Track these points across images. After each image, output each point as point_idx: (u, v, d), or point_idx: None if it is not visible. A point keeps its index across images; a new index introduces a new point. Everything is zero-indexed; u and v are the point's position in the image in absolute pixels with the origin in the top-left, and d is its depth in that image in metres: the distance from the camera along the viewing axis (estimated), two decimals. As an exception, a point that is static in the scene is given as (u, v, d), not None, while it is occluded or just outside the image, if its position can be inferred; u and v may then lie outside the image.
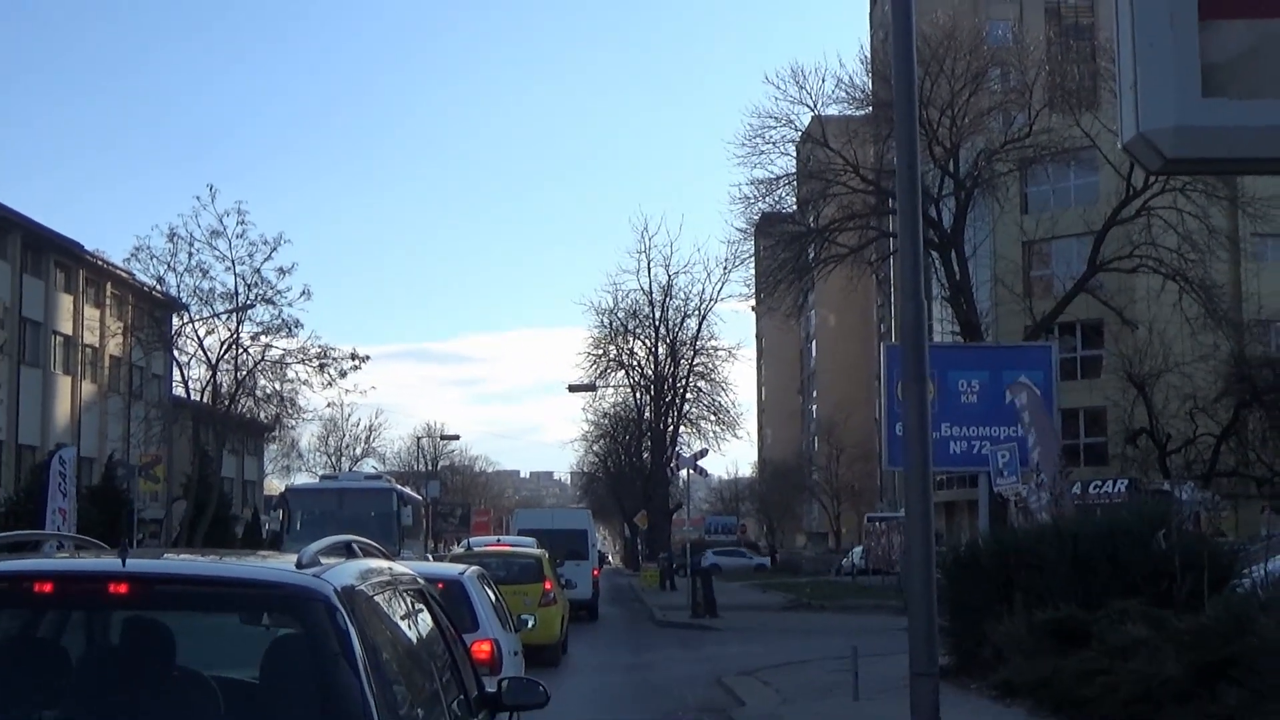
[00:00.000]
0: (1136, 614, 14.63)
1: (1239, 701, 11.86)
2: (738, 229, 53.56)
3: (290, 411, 51.03)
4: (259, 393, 49.12)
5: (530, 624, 17.75)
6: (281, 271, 45.95)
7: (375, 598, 5.01)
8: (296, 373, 47.96)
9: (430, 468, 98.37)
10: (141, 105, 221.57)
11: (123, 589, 4.70)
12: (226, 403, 47.84)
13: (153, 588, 4.77)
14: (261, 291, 45.87)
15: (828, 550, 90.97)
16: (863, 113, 48.88)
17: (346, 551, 5.40)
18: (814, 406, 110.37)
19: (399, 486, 44.52)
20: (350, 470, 68.54)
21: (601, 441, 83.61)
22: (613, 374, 69.93)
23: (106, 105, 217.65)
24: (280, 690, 4.71)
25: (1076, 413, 54.77)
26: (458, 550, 33.18)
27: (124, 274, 52.25)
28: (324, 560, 4.88)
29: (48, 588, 4.80)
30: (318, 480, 49.97)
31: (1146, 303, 48.47)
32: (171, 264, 45.89)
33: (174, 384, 54.11)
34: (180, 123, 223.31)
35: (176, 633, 4.94)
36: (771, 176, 48.73)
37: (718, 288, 79.98)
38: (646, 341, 69.64)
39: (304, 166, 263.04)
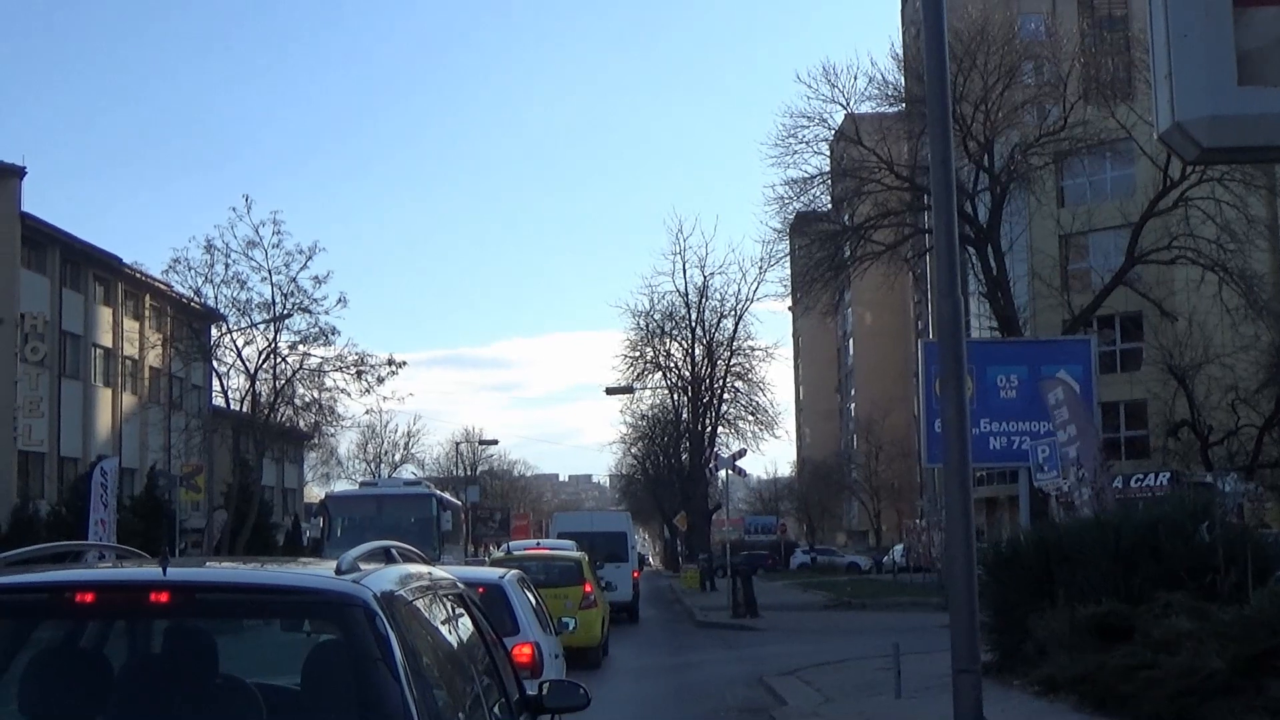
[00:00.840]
0: (1180, 607, 14.53)
1: (1285, 694, 11.77)
2: (773, 229, 53.55)
3: (329, 419, 51.37)
4: (298, 401, 49.45)
5: (571, 627, 17.75)
6: (317, 280, 46.29)
7: (415, 603, 5.01)
8: (334, 380, 48.29)
9: (469, 473, 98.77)
10: (172, 114, 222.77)
11: (164, 598, 4.72)
12: (266, 412, 48.13)
13: (194, 596, 4.79)
14: (298, 300, 46.22)
15: (868, 548, 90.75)
16: (896, 109, 48.79)
17: (385, 557, 5.41)
18: (852, 405, 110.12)
19: (438, 492, 44.66)
20: (390, 477, 68.80)
21: (640, 444, 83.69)
22: (650, 376, 70.02)
23: (138, 115, 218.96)
24: (321, 696, 4.72)
25: (1117, 406, 54.42)
26: (496, 554, 33.25)
27: (162, 286, 52.60)
28: (363, 566, 4.90)
29: (89, 597, 4.82)
30: (358, 487, 50.17)
31: (1186, 294, 48.14)
32: (209, 275, 46.29)
33: (213, 394, 54.53)
34: (212, 130, 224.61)
35: (218, 640, 4.95)
36: (805, 176, 48.70)
37: (753, 288, 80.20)
38: (683, 343, 69.70)
39: (337, 172, 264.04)
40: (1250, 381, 45.32)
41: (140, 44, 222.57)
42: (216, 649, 4.90)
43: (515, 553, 28.76)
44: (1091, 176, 57.48)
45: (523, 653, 12.27)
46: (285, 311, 46.40)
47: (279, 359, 47.51)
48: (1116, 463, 43.61)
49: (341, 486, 70.35)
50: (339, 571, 4.75)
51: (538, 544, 34.78)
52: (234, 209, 46.17)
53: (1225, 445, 45.46)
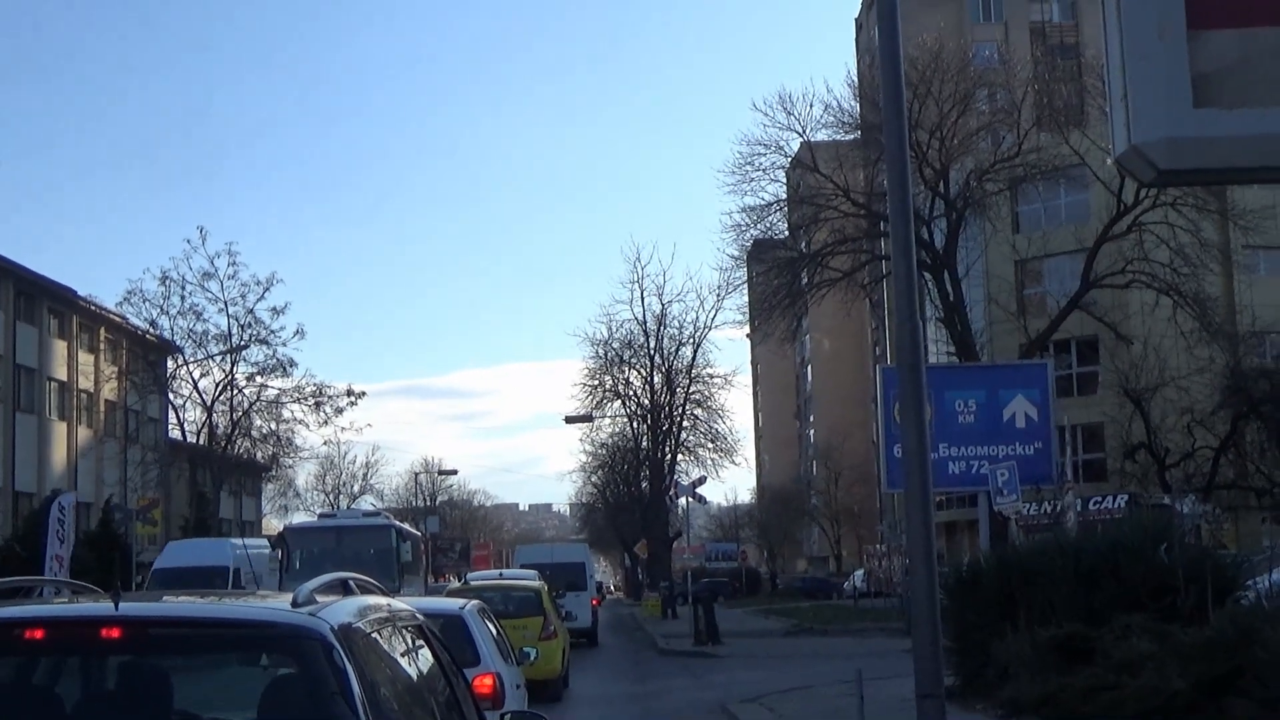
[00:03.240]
0: (1141, 629, 14.58)
1: (1247, 714, 11.82)
2: (730, 256, 53.62)
3: (287, 450, 51.16)
4: (255, 433, 49.22)
5: (532, 657, 17.55)
6: (275, 311, 46.23)
7: (373, 635, 4.94)
8: (292, 412, 48.13)
9: (429, 503, 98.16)
10: (129, 146, 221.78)
11: (116, 633, 4.64)
12: (223, 444, 47.88)
13: (146, 631, 4.71)
14: (255, 332, 46.13)
15: (829, 574, 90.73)
16: (851, 137, 49.00)
17: (343, 589, 5.34)
18: (811, 431, 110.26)
19: (397, 523, 44.41)
20: (349, 508, 68.40)
21: (600, 472, 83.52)
22: (609, 404, 70.04)
23: (94, 146, 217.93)
24: (278, 731, 4.64)
25: (1074, 429, 54.69)
26: (453, 585, 33.12)
27: (117, 318, 52.27)
28: (320, 598, 4.82)
29: (39, 634, 4.74)
30: (316, 519, 49.80)
31: (1141, 318, 48.46)
32: (164, 307, 46.17)
33: (170, 427, 54.19)
34: (168, 163, 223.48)
35: (173, 675, 4.87)
36: (762, 203, 48.85)
37: (711, 315, 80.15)
38: (642, 371, 69.68)
39: (296, 204, 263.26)
40: (1205, 404, 45.59)
41: (87, 71, 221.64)
42: (171, 684, 4.82)
43: (472, 583, 28.57)
44: (1046, 202, 57.88)
45: (484, 684, 12.17)
46: (242, 343, 46.38)
47: (236, 391, 47.40)
48: (1075, 485, 43.76)
49: (300, 518, 69.77)
50: (295, 604, 4.68)
51: (500, 575, 34.82)
52: (189, 240, 46.17)
53: (1182, 467, 45.70)
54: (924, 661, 10.27)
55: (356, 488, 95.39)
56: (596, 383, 68.85)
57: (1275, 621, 12.50)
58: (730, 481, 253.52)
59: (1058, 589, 16.78)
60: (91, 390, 57.22)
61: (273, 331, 46.23)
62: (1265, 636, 12.12)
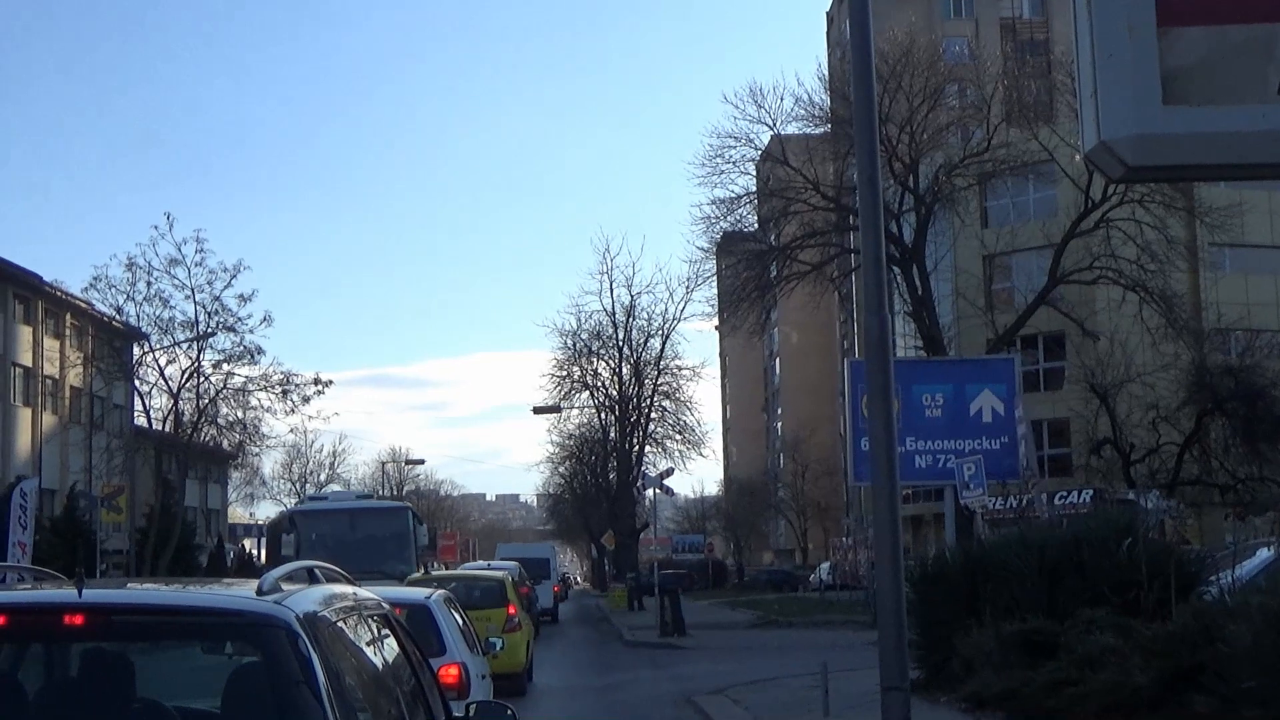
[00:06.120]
0: (1104, 623, 14.63)
1: (1209, 709, 11.87)
2: (699, 248, 53.75)
3: (253, 439, 50.78)
4: (221, 421, 48.88)
5: (499, 647, 17.38)
6: (242, 299, 45.79)
7: (338, 623, 4.92)
8: (259, 400, 47.79)
9: (395, 493, 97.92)
10: (99, 136, 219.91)
11: (79, 620, 4.61)
12: (189, 432, 47.59)
13: (110, 618, 4.68)
14: (222, 319, 45.72)
15: (795, 567, 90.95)
16: (821, 130, 49.12)
17: (309, 577, 5.32)
18: (779, 424, 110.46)
19: (411, 506, 44.04)
20: (318, 494, 67.94)
21: (567, 463, 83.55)
22: (577, 395, 70.06)
23: (61, 133, 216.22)
24: (242, 719, 4.63)
25: (1040, 424, 54.92)
26: (414, 575, 32.93)
27: (83, 304, 51.94)
28: (285, 587, 4.80)
29: (1, 621, 4.71)
30: (326, 500, 48.84)
31: (1107, 314, 48.71)
32: (130, 293, 45.69)
33: (135, 414, 53.78)
34: (134, 149, 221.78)
35: (137, 663, 4.85)
36: (732, 196, 48.97)
37: (680, 307, 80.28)
38: (610, 362, 69.71)
39: (265, 194, 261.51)
40: (1170, 400, 45.84)
41: (54, 62, 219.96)
42: (134, 672, 4.80)
43: (434, 575, 28.38)
44: (1014, 197, 58.11)
45: (449, 674, 12.16)
46: (209, 330, 45.93)
47: (202, 378, 47.02)
48: (1040, 480, 44.00)
49: (265, 507, 69.66)
50: (260, 592, 4.66)
51: (488, 565, 35.00)
52: (155, 227, 45.57)
53: (1147, 463, 45.94)
54: (889, 654, 10.31)
55: (323, 476, 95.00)
56: (564, 373, 68.92)
57: (1237, 617, 12.56)
58: (697, 473, 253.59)
59: (1022, 583, 16.84)
60: (57, 376, 56.86)
61: (240, 319, 45.84)
62: (1227, 632, 12.17)
